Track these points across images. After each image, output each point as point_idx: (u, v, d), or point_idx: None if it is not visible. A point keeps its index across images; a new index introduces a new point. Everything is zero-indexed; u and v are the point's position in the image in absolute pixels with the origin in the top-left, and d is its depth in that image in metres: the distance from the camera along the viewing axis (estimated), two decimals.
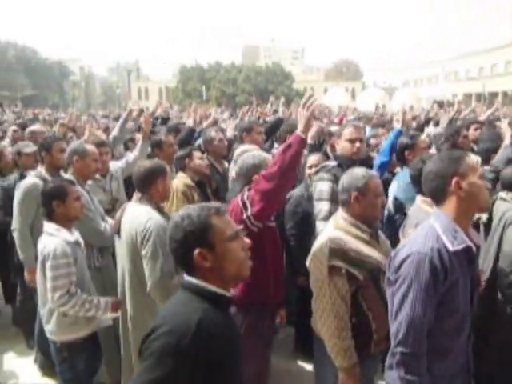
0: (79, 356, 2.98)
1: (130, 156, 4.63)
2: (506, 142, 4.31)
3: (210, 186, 4.18)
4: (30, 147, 4.52)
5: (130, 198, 3.43)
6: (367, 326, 2.41)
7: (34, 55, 65.58)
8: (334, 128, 5.22)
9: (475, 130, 5.50)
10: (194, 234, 1.58)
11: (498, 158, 4.17)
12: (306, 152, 4.00)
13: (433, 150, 4.93)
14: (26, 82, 58.36)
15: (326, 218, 3.02)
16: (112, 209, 3.96)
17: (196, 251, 1.57)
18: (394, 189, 3.66)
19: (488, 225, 3.22)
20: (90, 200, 3.57)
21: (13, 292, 4.47)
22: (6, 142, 6.34)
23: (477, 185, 1.91)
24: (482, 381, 2.28)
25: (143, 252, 2.78)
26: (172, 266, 2.77)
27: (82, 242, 3.14)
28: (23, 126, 6.83)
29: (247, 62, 68.71)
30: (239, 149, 4.11)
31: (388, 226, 3.59)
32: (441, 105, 14.29)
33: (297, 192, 3.88)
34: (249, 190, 2.78)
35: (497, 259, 3.02)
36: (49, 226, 2.96)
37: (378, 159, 3.91)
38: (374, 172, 3.13)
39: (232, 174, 4.23)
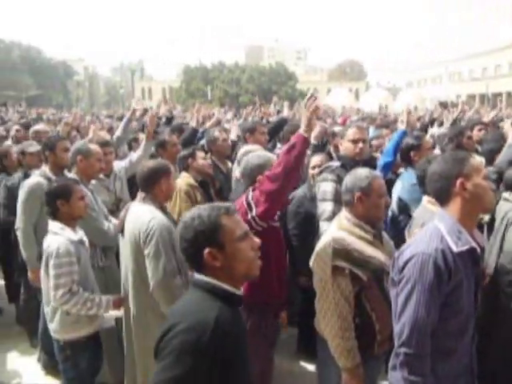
0: (82, 355, 3.01)
1: (134, 156, 4.64)
2: (509, 141, 4.30)
3: (213, 185, 4.18)
4: (34, 146, 4.53)
5: (133, 197, 3.43)
6: (371, 326, 2.41)
7: (38, 55, 65.81)
8: (337, 128, 5.23)
9: (479, 130, 5.49)
10: (204, 234, 1.60)
11: (502, 159, 4.16)
12: (309, 152, 4.00)
13: (437, 151, 4.92)
14: (30, 81, 58.54)
15: (330, 218, 3.02)
16: (116, 209, 3.97)
17: (206, 251, 1.59)
18: (399, 189, 3.65)
19: (491, 225, 3.22)
20: (93, 200, 3.58)
21: (16, 291, 4.49)
22: (9, 141, 6.37)
23: (481, 186, 1.91)
24: (485, 379, 2.27)
25: (146, 251, 2.78)
26: (175, 266, 2.78)
27: (87, 241, 3.16)
28: (26, 126, 6.84)
29: (251, 62, 68.74)
30: (243, 149, 4.11)
31: (392, 226, 3.58)
32: (445, 105, 14.26)
33: (299, 192, 3.88)
34: (253, 190, 2.78)
35: (499, 259, 3.02)
36: (53, 225, 2.98)
37: (381, 160, 3.91)
38: (378, 172, 3.13)
39: (235, 174, 4.24)
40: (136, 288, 2.94)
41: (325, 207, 3.22)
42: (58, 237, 2.91)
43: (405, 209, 3.52)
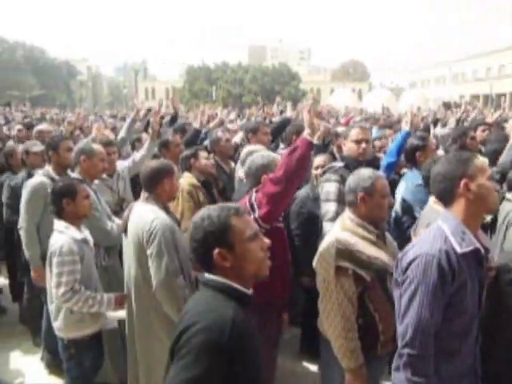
0: (86, 354, 3.04)
1: (137, 155, 4.65)
2: (511, 142, 4.29)
3: (216, 186, 4.18)
4: (37, 146, 4.54)
5: (136, 197, 3.44)
6: (374, 327, 2.41)
7: (42, 55, 65.91)
8: (340, 129, 5.22)
9: (483, 131, 5.48)
10: (214, 235, 1.60)
11: (504, 159, 4.15)
12: (312, 153, 4.00)
13: (440, 152, 4.91)
14: (34, 81, 58.64)
15: (333, 218, 3.01)
16: (120, 209, 3.97)
17: (216, 251, 1.59)
18: (402, 190, 3.64)
19: (493, 225, 3.22)
20: (96, 199, 3.59)
21: (20, 290, 4.51)
22: (11, 141, 6.40)
23: (486, 187, 1.90)
24: (489, 380, 2.27)
25: (149, 251, 2.79)
26: (177, 266, 2.78)
27: (91, 240, 3.18)
28: (28, 126, 6.85)
29: (254, 62, 68.72)
30: (246, 149, 4.12)
31: (395, 227, 3.57)
32: (448, 106, 14.21)
33: (302, 192, 3.88)
34: (256, 191, 2.78)
35: (500, 258, 3.02)
36: (58, 224, 3.01)
37: (384, 160, 3.90)
38: (381, 173, 3.12)
39: (238, 174, 4.24)
40: (139, 287, 2.95)
41: (328, 208, 3.22)
42: (63, 235, 2.94)
43: (408, 210, 3.51)
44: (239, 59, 58.62)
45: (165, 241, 2.76)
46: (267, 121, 7.02)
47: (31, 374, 3.97)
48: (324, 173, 3.55)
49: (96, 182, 3.84)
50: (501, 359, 2.92)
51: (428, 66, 59.53)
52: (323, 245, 2.53)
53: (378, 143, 5.26)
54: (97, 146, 3.86)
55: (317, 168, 3.95)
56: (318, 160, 4.02)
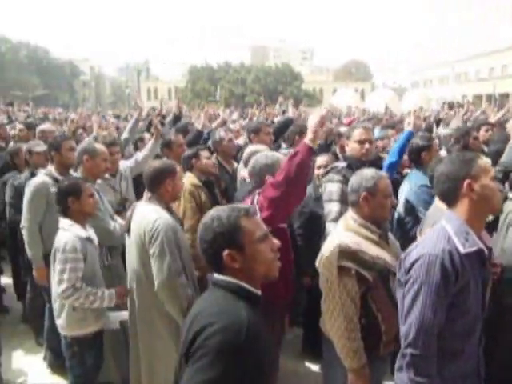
0: (89, 352, 3.06)
1: (139, 155, 4.66)
2: None
3: (219, 186, 4.19)
4: (40, 146, 4.55)
5: (139, 197, 3.44)
6: (376, 327, 2.40)
7: (45, 55, 66.05)
8: (343, 129, 5.21)
9: (486, 131, 5.47)
10: (224, 236, 1.59)
11: (506, 158, 4.14)
12: (312, 158, 4.00)
13: (443, 152, 4.91)
14: (37, 81, 58.79)
15: (336, 219, 3.01)
16: (123, 209, 3.98)
17: (225, 252, 1.58)
18: (406, 191, 3.62)
19: (495, 224, 3.22)
20: (99, 199, 3.59)
21: (25, 289, 4.52)
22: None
23: (489, 187, 1.90)
24: (492, 382, 2.26)
25: (151, 251, 2.79)
26: (179, 265, 2.78)
27: (96, 239, 3.20)
28: (29, 126, 6.85)
29: (256, 62, 68.80)
30: (248, 149, 4.11)
31: (398, 228, 3.56)
32: (451, 106, 14.18)
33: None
34: (259, 194, 2.79)
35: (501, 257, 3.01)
36: (63, 222, 3.05)
37: (386, 160, 3.90)
38: (384, 173, 3.12)
39: (241, 174, 4.24)
40: (141, 287, 2.95)
41: (331, 208, 3.22)
42: (67, 233, 2.98)
43: (412, 210, 3.50)
44: (242, 59, 58.72)
45: (167, 240, 2.76)
46: (269, 121, 7.02)
47: (34, 373, 3.98)
48: (327, 173, 3.54)
49: (99, 181, 3.85)
50: (504, 361, 2.91)
51: (431, 66, 59.43)
52: (326, 245, 2.53)
53: (380, 143, 5.25)
54: (99, 146, 3.87)
55: (319, 168, 3.94)
56: (321, 160, 4.01)
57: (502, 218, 3.15)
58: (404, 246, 2.42)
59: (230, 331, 1.44)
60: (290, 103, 7.33)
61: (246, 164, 3.79)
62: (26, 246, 3.78)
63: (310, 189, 3.89)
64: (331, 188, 3.27)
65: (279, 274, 2.81)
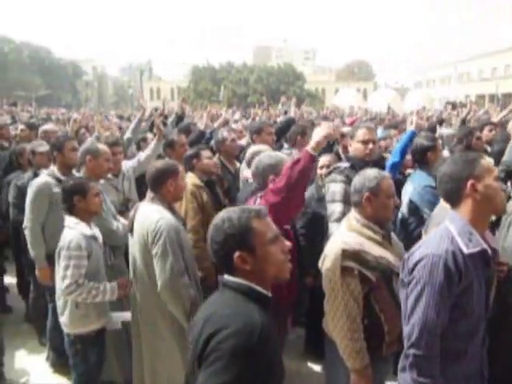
0: (91, 349, 3.08)
1: (142, 155, 4.67)
2: None
3: (222, 185, 4.18)
4: (43, 146, 4.56)
5: (142, 197, 3.44)
6: (379, 327, 2.40)
7: (48, 55, 66.09)
8: (345, 129, 5.21)
9: (490, 131, 5.45)
10: (235, 237, 1.57)
11: (508, 158, 4.14)
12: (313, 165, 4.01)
13: (445, 152, 4.89)
14: (40, 82, 58.87)
15: (339, 219, 3.00)
16: (125, 209, 3.99)
17: (236, 254, 1.56)
18: (410, 191, 3.60)
19: (498, 223, 3.22)
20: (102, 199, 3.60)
21: (28, 289, 4.53)
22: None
23: (493, 187, 1.89)
24: (495, 383, 2.25)
25: (154, 251, 2.79)
26: (182, 265, 2.79)
27: (100, 237, 3.23)
28: (31, 126, 6.85)
29: (259, 62, 68.72)
30: (251, 149, 4.11)
31: (401, 228, 3.55)
32: (453, 106, 14.15)
33: (307, 192, 3.86)
34: (261, 197, 2.80)
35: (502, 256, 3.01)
36: (69, 220, 3.08)
37: (389, 160, 3.89)
38: (387, 173, 3.11)
39: (243, 174, 4.24)
40: (144, 287, 2.96)
41: (334, 208, 3.21)
42: (72, 231, 3.01)
43: (416, 211, 3.48)
44: (244, 59, 58.66)
45: (170, 241, 2.76)
46: (271, 121, 7.02)
47: (36, 372, 3.99)
48: (329, 173, 3.54)
49: (101, 181, 3.85)
50: (507, 362, 2.90)
51: (433, 66, 59.37)
52: (329, 245, 2.53)
53: (383, 143, 5.24)
54: (102, 146, 3.87)
55: (321, 167, 3.94)
56: (323, 159, 4.01)
57: (504, 216, 3.15)
58: (407, 247, 2.42)
59: (243, 334, 1.43)
60: (292, 103, 7.32)
61: (248, 164, 3.79)
62: (29, 245, 3.79)
63: (312, 189, 3.88)
64: (334, 188, 3.27)
65: None
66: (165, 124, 6.88)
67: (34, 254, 3.76)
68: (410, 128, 3.98)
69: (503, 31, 48.47)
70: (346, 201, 3.05)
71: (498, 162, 4.27)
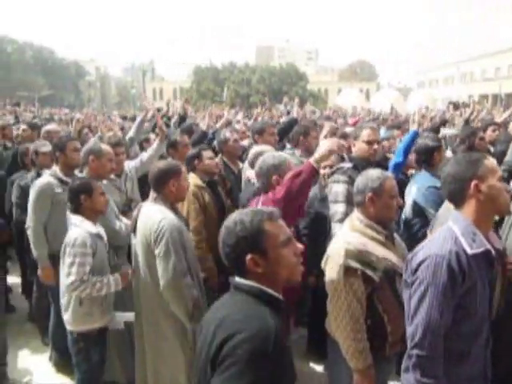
0: (94, 348, 3.09)
1: (144, 155, 4.67)
2: None
3: (224, 186, 4.18)
4: (46, 146, 4.57)
5: (145, 197, 3.45)
6: (382, 327, 2.39)
7: (50, 55, 66.28)
8: (348, 129, 5.20)
9: (493, 131, 5.43)
10: (247, 240, 1.56)
11: (510, 158, 4.12)
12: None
13: (448, 152, 4.88)
14: (43, 82, 59.01)
15: (342, 220, 3.00)
16: (128, 209, 3.99)
17: (248, 257, 1.55)
18: (414, 192, 3.58)
19: (502, 223, 3.21)
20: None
21: (32, 289, 4.55)
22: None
23: (496, 187, 1.89)
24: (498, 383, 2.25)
25: (156, 251, 2.80)
26: (184, 266, 2.79)
27: (105, 236, 3.24)
28: (32, 126, 6.86)
29: (261, 62, 68.72)
30: (254, 149, 4.11)
31: (405, 229, 3.54)
32: (456, 106, 14.11)
33: (310, 193, 3.86)
34: (262, 203, 2.80)
35: None
36: (75, 218, 3.11)
37: (392, 160, 3.89)
38: (390, 173, 3.11)
39: (246, 174, 4.23)
40: (146, 287, 2.96)
41: (337, 209, 3.21)
42: (77, 229, 3.04)
43: (420, 212, 3.47)
44: (246, 59, 58.68)
45: (172, 241, 2.76)
46: (274, 121, 7.01)
47: (39, 372, 3.99)
48: (332, 173, 3.54)
49: (104, 182, 3.85)
50: (510, 363, 2.88)
51: (436, 66, 59.26)
52: (332, 245, 2.53)
53: (386, 144, 5.23)
54: (105, 147, 3.88)
55: (324, 167, 3.93)
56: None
57: (507, 216, 3.14)
58: (411, 248, 2.42)
59: (259, 339, 1.41)
60: (295, 103, 7.30)
61: (251, 164, 3.79)
62: (32, 246, 3.80)
63: (315, 189, 3.88)
64: (337, 189, 3.27)
65: None
66: (168, 125, 6.88)
67: (37, 254, 3.77)
68: (413, 127, 3.97)
69: (503, 31, 48.36)
70: (349, 201, 3.05)
71: (500, 163, 4.26)
